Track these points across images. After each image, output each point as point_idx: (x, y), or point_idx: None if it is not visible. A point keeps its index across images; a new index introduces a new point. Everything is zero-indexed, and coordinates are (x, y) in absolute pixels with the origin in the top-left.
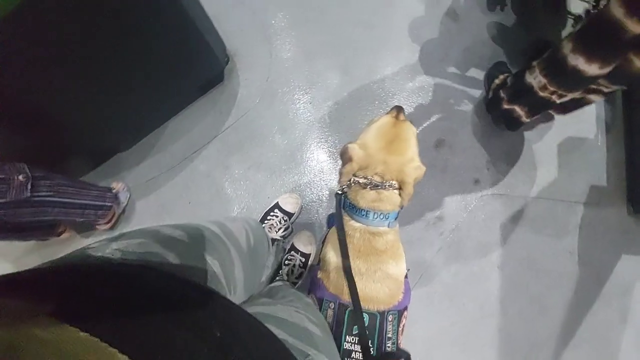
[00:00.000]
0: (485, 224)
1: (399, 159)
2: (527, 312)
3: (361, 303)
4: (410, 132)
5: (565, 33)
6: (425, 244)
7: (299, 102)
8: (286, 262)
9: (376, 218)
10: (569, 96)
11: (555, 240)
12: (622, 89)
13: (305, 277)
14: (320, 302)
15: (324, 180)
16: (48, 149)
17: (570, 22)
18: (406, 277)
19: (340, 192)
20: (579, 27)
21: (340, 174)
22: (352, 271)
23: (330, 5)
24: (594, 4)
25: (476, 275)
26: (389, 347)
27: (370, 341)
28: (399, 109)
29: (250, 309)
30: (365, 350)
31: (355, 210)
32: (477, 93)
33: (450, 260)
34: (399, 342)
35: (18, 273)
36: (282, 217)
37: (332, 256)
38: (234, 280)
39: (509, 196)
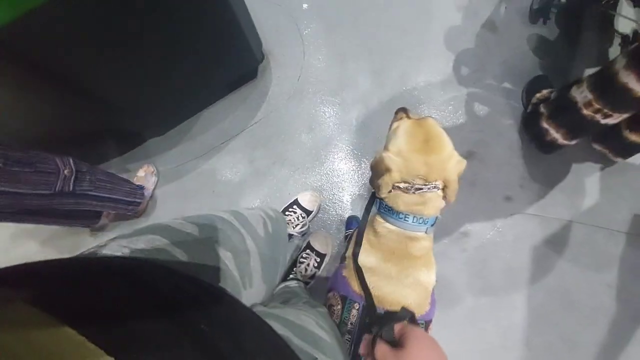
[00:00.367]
0: (515, 245)
1: (439, 158)
2: (554, 348)
3: (388, 307)
4: (439, 128)
5: (612, 51)
6: (446, 259)
7: (328, 103)
8: (301, 259)
9: (415, 222)
10: (614, 117)
11: (592, 270)
12: None
13: (317, 278)
14: (343, 300)
15: (346, 182)
16: (93, 130)
17: (617, 40)
18: (433, 289)
19: (379, 198)
20: (637, 44)
21: (379, 185)
22: (382, 274)
23: (366, 11)
24: None
25: (501, 300)
26: None
27: None
28: (404, 110)
29: (255, 309)
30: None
31: (392, 213)
32: (514, 107)
33: (473, 280)
34: None
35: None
36: (301, 214)
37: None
38: (249, 272)
39: (544, 218)
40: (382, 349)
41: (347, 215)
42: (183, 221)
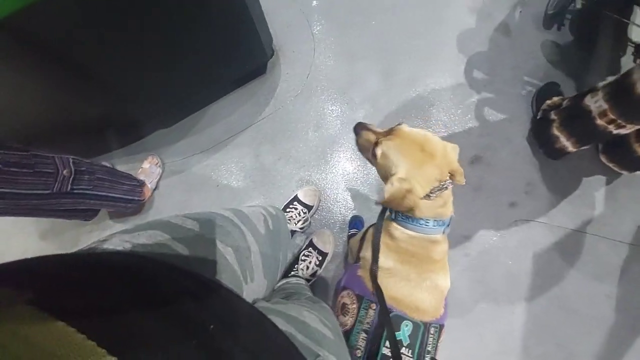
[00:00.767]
0: (517, 251)
1: (441, 156)
2: (552, 356)
3: (405, 310)
4: (418, 130)
5: (624, 60)
6: (448, 262)
7: (336, 102)
8: (302, 257)
9: (436, 225)
10: (627, 128)
11: (593, 280)
12: None
13: (318, 276)
14: (360, 300)
15: (350, 182)
16: (99, 120)
17: (630, 49)
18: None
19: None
20: None
21: (411, 208)
22: (399, 275)
23: (378, 11)
24: None
25: (500, 306)
26: None
27: (411, 351)
28: (364, 126)
29: (258, 304)
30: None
31: (412, 220)
32: (524, 113)
33: (474, 285)
34: (436, 358)
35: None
36: (302, 210)
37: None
38: (250, 267)
39: (548, 225)
40: None
41: (350, 215)
42: (183, 217)
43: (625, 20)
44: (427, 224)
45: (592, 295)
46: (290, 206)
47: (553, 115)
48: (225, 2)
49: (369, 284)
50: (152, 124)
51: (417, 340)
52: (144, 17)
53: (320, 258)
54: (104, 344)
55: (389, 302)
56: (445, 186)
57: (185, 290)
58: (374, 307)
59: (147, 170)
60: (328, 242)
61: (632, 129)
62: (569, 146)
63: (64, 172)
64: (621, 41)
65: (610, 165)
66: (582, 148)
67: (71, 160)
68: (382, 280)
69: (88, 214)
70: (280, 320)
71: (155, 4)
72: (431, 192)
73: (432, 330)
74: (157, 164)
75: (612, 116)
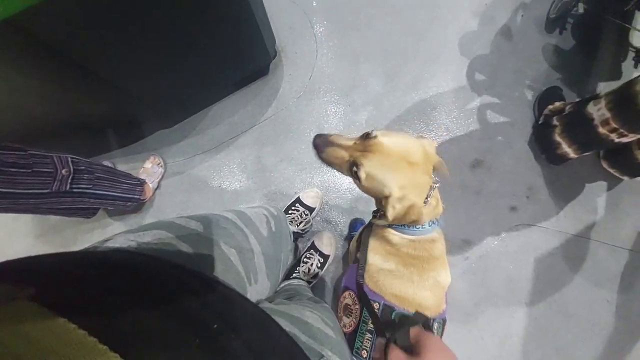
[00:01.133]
0: (517, 256)
1: (423, 160)
2: None
3: (409, 308)
4: (394, 138)
5: (625, 66)
6: (448, 266)
7: (338, 104)
8: (304, 259)
9: (432, 225)
10: (629, 137)
11: (592, 285)
12: None
13: (320, 278)
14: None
15: (351, 184)
16: (102, 119)
17: (631, 54)
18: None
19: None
20: None
21: (417, 219)
22: (403, 277)
23: (381, 13)
24: None
25: (500, 310)
26: None
27: None
28: (324, 137)
29: (260, 305)
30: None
31: (408, 226)
32: (525, 117)
33: (473, 288)
34: None
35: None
36: (303, 211)
37: (372, 257)
38: (254, 269)
39: (548, 230)
40: (396, 355)
41: (351, 218)
42: (187, 218)
43: (627, 25)
44: (423, 226)
45: (592, 301)
46: (293, 208)
47: (555, 121)
48: (229, 3)
49: (371, 285)
50: (154, 124)
51: None
52: (147, 18)
53: (321, 260)
54: (106, 341)
55: (392, 301)
56: (435, 186)
57: (189, 289)
58: (377, 307)
59: (149, 169)
60: (329, 245)
61: (634, 138)
62: (571, 152)
63: (63, 171)
64: (623, 46)
65: (612, 171)
66: (584, 154)
67: (70, 160)
68: (384, 279)
69: (89, 212)
70: (284, 321)
71: (157, 6)
72: (427, 198)
73: (435, 325)
74: (158, 163)
75: (614, 125)
